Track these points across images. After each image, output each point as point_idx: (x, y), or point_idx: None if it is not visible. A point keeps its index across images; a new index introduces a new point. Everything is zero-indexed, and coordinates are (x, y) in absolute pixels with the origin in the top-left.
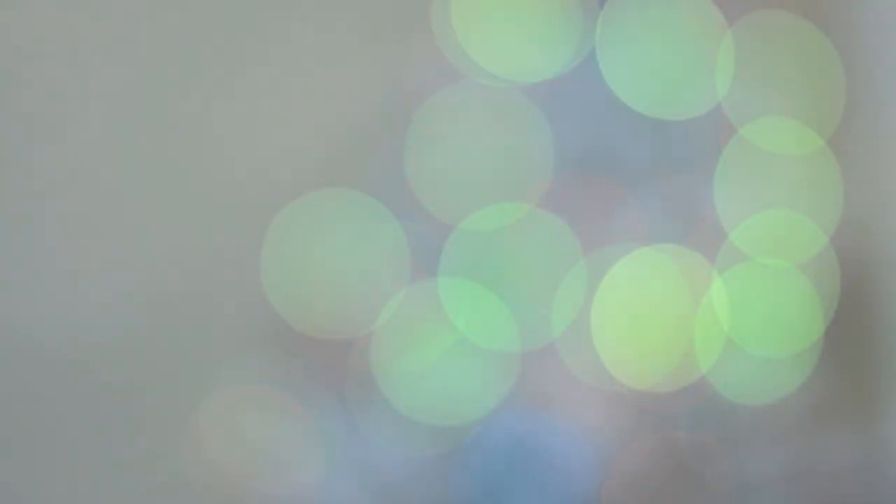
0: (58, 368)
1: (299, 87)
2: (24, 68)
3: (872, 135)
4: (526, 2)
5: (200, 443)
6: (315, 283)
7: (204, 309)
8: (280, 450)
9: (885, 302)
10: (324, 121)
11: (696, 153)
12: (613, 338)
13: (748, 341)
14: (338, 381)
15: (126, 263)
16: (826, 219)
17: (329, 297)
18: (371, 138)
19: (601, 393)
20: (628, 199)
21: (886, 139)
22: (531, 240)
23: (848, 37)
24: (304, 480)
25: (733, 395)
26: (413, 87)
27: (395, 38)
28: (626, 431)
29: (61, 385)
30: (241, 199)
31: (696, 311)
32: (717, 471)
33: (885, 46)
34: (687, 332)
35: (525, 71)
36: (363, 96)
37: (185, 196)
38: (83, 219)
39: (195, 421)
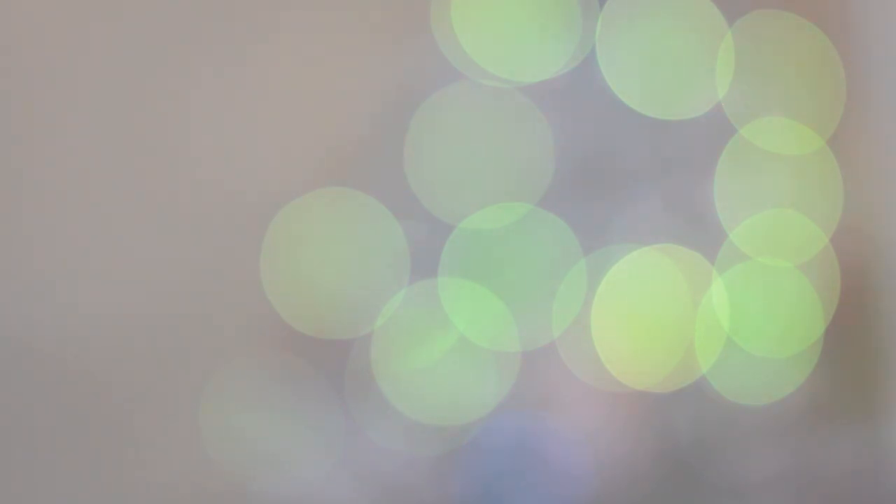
0: (58, 368)
1: (299, 86)
2: (18, 69)
3: (872, 135)
4: (526, 2)
5: (200, 443)
6: (315, 283)
7: (204, 309)
8: (280, 449)
9: (885, 302)
10: (324, 121)
11: (696, 153)
12: (613, 338)
13: (748, 341)
14: (338, 381)
15: (126, 264)
16: (826, 219)
17: (329, 297)
18: (371, 138)
19: (601, 393)
20: (628, 199)
21: (886, 139)
22: (531, 240)
23: (848, 37)
24: (304, 480)
25: (733, 395)
26: (413, 87)
27: (395, 38)
28: (626, 431)
29: (61, 385)
30: (242, 199)
31: (696, 311)
32: (717, 471)
33: (885, 46)
34: (687, 332)
35: (525, 71)
36: (363, 96)
37: (186, 196)
38: (83, 219)
39: (195, 421)
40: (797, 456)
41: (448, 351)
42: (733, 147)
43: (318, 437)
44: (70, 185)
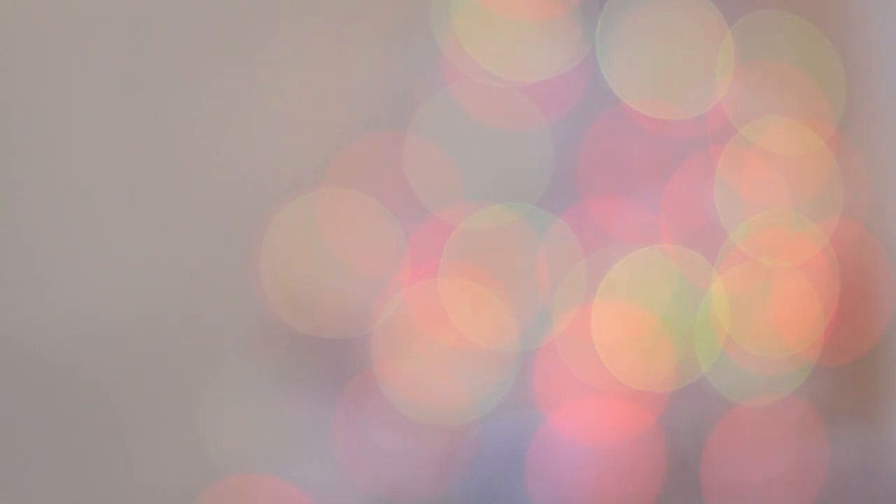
0: (58, 369)
1: (299, 86)
2: (24, 72)
3: (872, 135)
4: (526, 2)
5: (200, 442)
6: (315, 283)
7: (204, 309)
8: (280, 449)
9: (885, 302)
10: (324, 121)
11: (697, 153)
12: (613, 338)
13: (748, 341)
14: (338, 381)
15: (127, 265)
16: (826, 219)
17: (329, 296)
18: (371, 138)
19: (601, 393)
20: (628, 199)
21: (886, 139)
22: (531, 240)
23: (848, 37)
24: (303, 480)
25: (733, 395)
26: (413, 87)
27: (395, 39)
28: (625, 431)
29: (63, 387)
30: (241, 198)
31: (696, 311)
32: (717, 471)
33: (885, 46)
34: (687, 332)
35: (525, 71)
36: (363, 96)
37: (186, 196)
38: (85, 221)
39: (194, 420)
40: (797, 456)
41: (448, 351)
42: (733, 147)
43: (318, 437)
44: (69, 186)
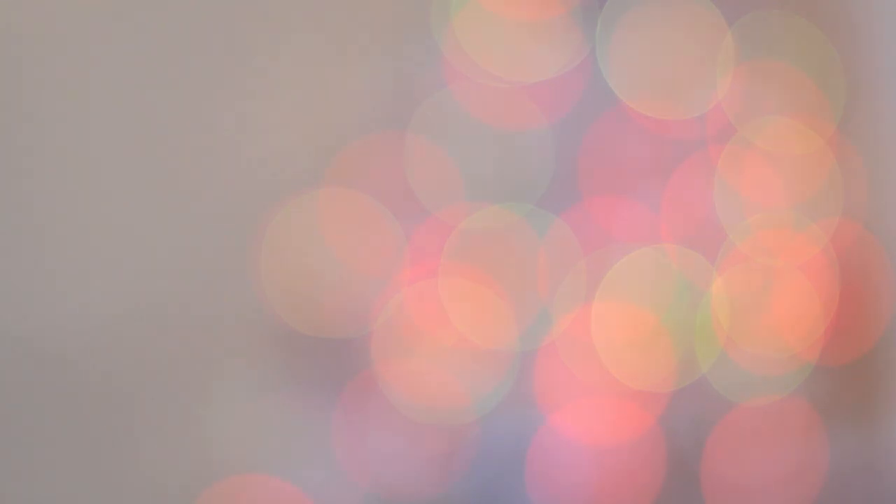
0: (59, 370)
1: (300, 87)
2: (23, 70)
3: (872, 135)
4: (526, 2)
5: (200, 442)
6: (315, 282)
7: (204, 309)
8: (280, 449)
9: (885, 302)
10: (324, 120)
11: (697, 153)
12: (613, 338)
13: (748, 341)
14: (338, 381)
15: (127, 264)
16: (826, 219)
17: (329, 297)
18: (371, 138)
19: (601, 393)
20: (628, 199)
21: (886, 139)
22: (531, 240)
23: (848, 37)
24: (303, 480)
25: (733, 395)
26: (413, 87)
27: (395, 38)
28: (625, 431)
29: (63, 387)
30: (241, 199)
31: (696, 311)
32: (717, 471)
33: (885, 46)
34: (687, 331)
35: (525, 71)
36: (363, 96)
37: (186, 196)
38: (85, 221)
39: (195, 420)
40: (797, 456)
41: (448, 351)
42: (733, 147)
43: (318, 437)
44: (69, 187)
